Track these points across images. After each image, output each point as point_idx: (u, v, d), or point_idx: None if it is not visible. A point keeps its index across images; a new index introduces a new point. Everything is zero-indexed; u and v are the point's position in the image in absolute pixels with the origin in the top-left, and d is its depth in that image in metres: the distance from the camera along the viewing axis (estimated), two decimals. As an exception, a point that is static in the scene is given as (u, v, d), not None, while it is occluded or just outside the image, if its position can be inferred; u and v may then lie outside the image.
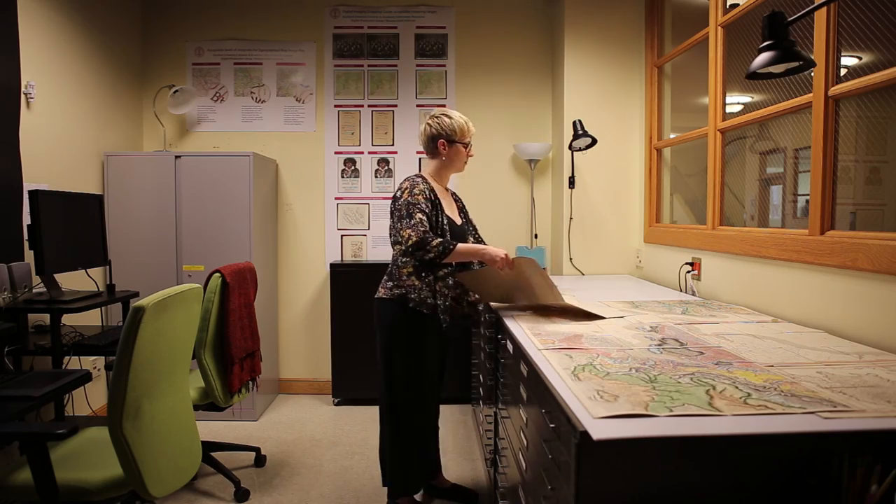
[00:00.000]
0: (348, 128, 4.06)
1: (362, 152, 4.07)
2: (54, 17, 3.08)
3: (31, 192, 2.48)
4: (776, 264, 2.13)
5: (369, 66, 4.04)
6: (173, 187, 3.48)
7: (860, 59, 1.85)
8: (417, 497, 2.51)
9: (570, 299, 2.26)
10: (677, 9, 3.38)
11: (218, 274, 2.50)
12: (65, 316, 2.56)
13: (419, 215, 2.19)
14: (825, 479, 1.02)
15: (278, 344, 4.06)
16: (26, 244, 2.65)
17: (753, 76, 1.53)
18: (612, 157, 3.63)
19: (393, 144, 4.07)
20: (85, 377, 1.99)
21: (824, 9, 1.83)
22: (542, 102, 4.04)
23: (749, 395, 1.18)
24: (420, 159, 4.06)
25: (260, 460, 2.93)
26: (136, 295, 2.93)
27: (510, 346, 1.95)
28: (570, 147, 3.42)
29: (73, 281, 3.05)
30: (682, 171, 3.37)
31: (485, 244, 2.44)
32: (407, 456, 2.36)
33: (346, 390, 3.81)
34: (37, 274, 2.50)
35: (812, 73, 1.92)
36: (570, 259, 3.64)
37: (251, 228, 3.50)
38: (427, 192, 2.27)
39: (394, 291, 2.29)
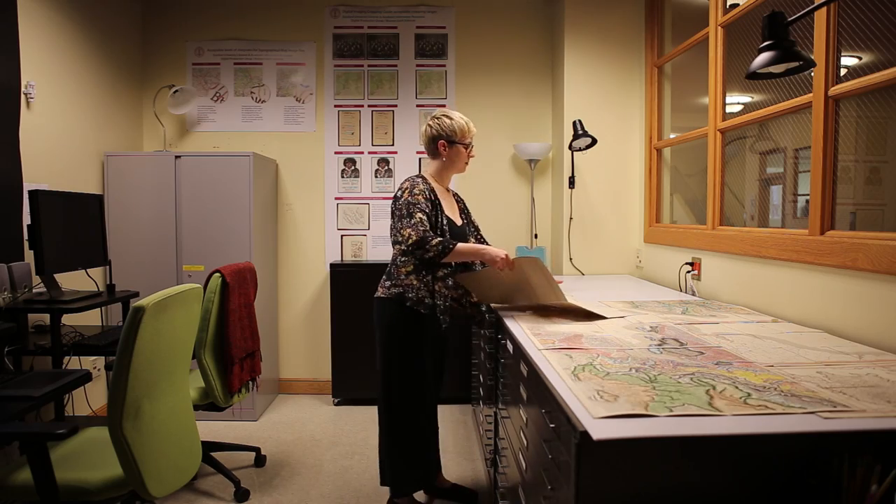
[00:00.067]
0: (348, 128, 4.06)
1: (362, 152, 4.07)
2: (54, 17, 3.08)
3: (31, 192, 2.48)
4: (776, 264, 2.13)
5: (369, 66, 4.04)
6: (173, 187, 3.48)
7: (860, 59, 1.85)
8: (417, 497, 2.51)
9: (571, 299, 2.26)
10: (677, 9, 3.38)
11: (218, 274, 2.50)
12: (65, 316, 2.56)
13: (419, 215, 2.19)
14: (825, 479, 1.02)
15: (278, 344, 4.06)
16: (26, 244, 2.65)
17: (753, 76, 1.53)
18: (612, 157, 3.63)
19: (393, 144, 4.07)
20: (85, 377, 1.99)
21: (824, 9, 1.83)
22: (542, 102, 4.04)
23: (749, 395, 1.18)
24: (420, 159, 4.06)
25: (260, 460, 2.93)
26: (136, 295, 2.93)
27: (510, 346, 1.95)
28: (570, 147, 3.42)
29: (73, 281, 3.05)
30: (682, 171, 3.37)
31: (488, 245, 2.44)
32: (406, 456, 2.36)
33: (346, 390, 3.81)
34: (37, 274, 2.50)
35: (812, 73, 1.92)
36: (570, 259, 3.64)
37: (251, 228, 3.50)
38: (427, 193, 2.27)
39: (392, 290, 2.29)
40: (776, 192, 2.59)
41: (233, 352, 2.53)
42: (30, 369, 2.57)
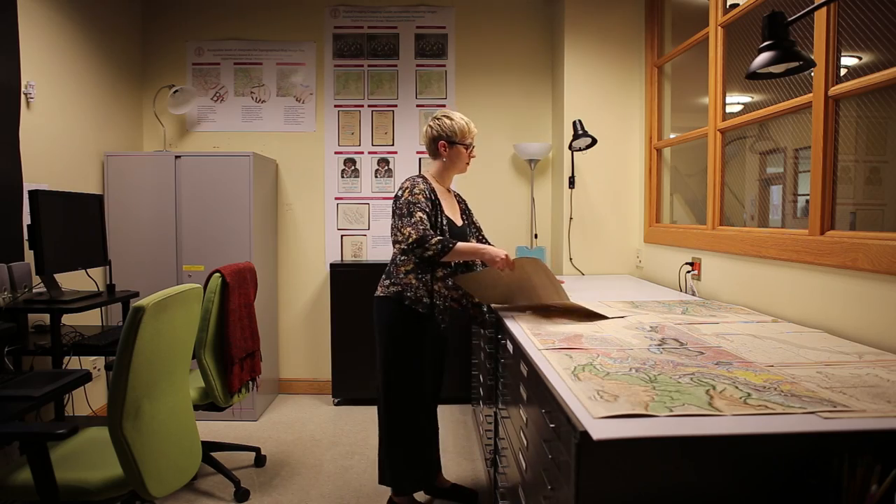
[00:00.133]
0: (348, 128, 4.06)
1: (362, 152, 4.07)
2: (54, 17, 3.08)
3: (31, 192, 2.48)
4: (776, 264, 2.13)
5: (369, 66, 4.04)
6: (173, 187, 3.48)
7: (860, 59, 1.85)
8: (417, 497, 2.51)
9: (572, 299, 2.26)
10: (677, 9, 3.38)
11: (218, 274, 2.50)
12: (65, 316, 2.57)
13: (419, 214, 2.19)
14: (825, 479, 1.02)
15: (278, 344, 4.06)
16: (26, 244, 2.65)
17: (753, 76, 1.53)
18: (612, 157, 3.63)
19: (393, 144, 4.07)
20: (85, 377, 1.99)
21: (824, 9, 1.83)
22: (542, 102, 4.04)
23: (749, 395, 1.18)
24: (420, 159, 4.06)
25: (260, 460, 2.93)
26: (136, 295, 2.93)
27: (510, 346, 1.95)
28: (570, 147, 3.42)
29: (73, 281, 3.05)
30: (682, 171, 3.37)
31: (490, 245, 2.44)
32: (406, 455, 2.36)
33: (346, 390, 3.81)
34: (37, 274, 2.50)
35: (812, 73, 1.92)
36: (570, 259, 3.64)
37: (251, 228, 3.50)
38: (427, 192, 2.28)
39: (391, 289, 2.29)
40: (776, 192, 2.59)
41: (233, 352, 2.53)
42: (30, 369, 2.57)
